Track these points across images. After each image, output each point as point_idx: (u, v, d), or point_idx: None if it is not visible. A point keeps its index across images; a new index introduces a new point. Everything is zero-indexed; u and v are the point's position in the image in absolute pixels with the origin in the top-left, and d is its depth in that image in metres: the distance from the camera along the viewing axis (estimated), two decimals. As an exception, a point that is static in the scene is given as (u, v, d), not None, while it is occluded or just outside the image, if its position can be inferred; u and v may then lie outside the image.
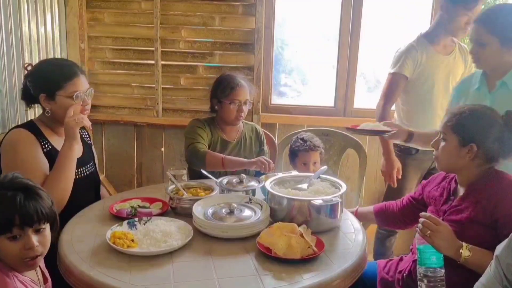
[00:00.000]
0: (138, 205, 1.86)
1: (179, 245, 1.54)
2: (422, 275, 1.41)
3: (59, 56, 3.10)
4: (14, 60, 2.64)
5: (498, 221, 1.50)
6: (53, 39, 3.03)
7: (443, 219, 1.61)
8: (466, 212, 1.57)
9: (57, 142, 1.91)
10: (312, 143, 2.39)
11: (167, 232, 1.60)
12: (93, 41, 3.19)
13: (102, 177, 2.32)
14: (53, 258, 1.58)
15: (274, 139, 2.91)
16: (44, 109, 1.90)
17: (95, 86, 3.23)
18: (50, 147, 1.87)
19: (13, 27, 2.62)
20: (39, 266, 1.39)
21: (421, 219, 1.54)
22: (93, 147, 2.16)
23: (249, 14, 3.05)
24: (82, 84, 1.89)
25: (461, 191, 1.66)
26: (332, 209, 1.71)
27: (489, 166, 1.60)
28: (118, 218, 1.78)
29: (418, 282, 1.42)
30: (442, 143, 1.64)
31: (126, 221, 1.68)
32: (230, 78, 2.41)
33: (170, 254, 1.52)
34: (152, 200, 1.92)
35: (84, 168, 1.98)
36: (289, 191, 1.81)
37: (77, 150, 1.95)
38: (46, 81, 1.85)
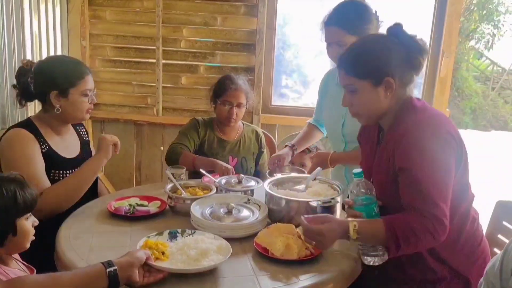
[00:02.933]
0: (137, 203, 1.86)
1: (210, 266, 1.37)
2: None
3: (60, 53, 3.10)
4: (15, 57, 2.65)
5: (398, 171, 1.41)
6: (55, 36, 3.04)
7: (372, 179, 1.53)
8: (384, 170, 1.48)
9: (55, 142, 1.90)
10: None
11: (203, 250, 1.42)
12: (94, 39, 3.20)
13: (101, 174, 2.31)
14: (50, 254, 1.59)
15: (274, 140, 2.92)
16: (45, 107, 1.89)
17: (95, 84, 3.24)
18: (47, 147, 1.85)
19: (14, 24, 2.62)
20: (19, 260, 1.40)
21: (300, 228, 1.50)
22: (91, 144, 2.15)
23: (251, 15, 3.05)
24: (91, 82, 1.93)
25: (383, 141, 1.55)
26: (330, 211, 1.71)
27: (405, 92, 1.47)
28: (116, 216, 1.78)
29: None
30: (355, 96, 1.48)
31: (167, 231, 1.54)
32: (228, 79, 2.42)
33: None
34: (150, 199, 1.92)
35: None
36: (288, 192, 1.81)
37: (73, 150, 1.96)
38: (59, 78, 1.85)
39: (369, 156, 1.62)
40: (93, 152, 2.12)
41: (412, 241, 1.34)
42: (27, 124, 1.86)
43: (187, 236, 1.53)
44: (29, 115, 1.91)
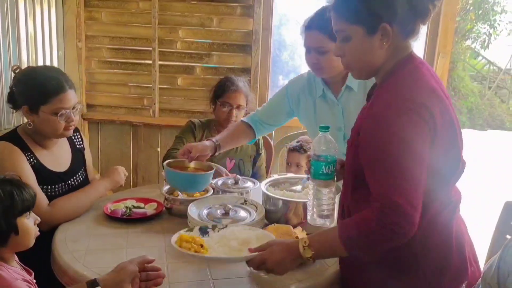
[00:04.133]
0: (133, 206, 1.86)
1: (250, 257, 1.31)
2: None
3: (56, 55, 3.10)
4: (11, 59, 2.64)
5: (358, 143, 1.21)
6: (50, 38, 3.03)
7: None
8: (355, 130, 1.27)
9: (42, 155, 1.81)
10: (299, 146, 2.43)
11: (244, 240, 1.39)
12: (90, 40, 3.19)
13: (98, 176, 2.30)
14: (46, 257, 1.58)
15: (271, 141, 2.92)
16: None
17: (91, 85, 3.26)
18: (35, 161, 1.77)
19: (10, 25, 2.61)
20: (18, 262, 1.39)
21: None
22: (85, 151, 2.04)
23: (247, 16, 3.05)
24: (68, 100, 1.75)
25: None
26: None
27: (406, 45, 1.25)
28: (112, 218, 1.77)
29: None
30: (347, 44, 1.25)
31: (198, 227, 1.47)
32: (228, 80, 2.42)
33: (164, 254, 1.51)
34: (147, 201, 1.92)
35: (73, 178, 1.91)
36: (284, 192, 1.81)
37: (63, 163, 1.89)
38: (30, 93, 1.73)
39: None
40: (87, 161, 2.04)
41: (370, 241, 1.13)
42: (13, 137, 1.77)
43: (219, 231, 1.48)
44: (25, 120, 1.83)
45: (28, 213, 1.31)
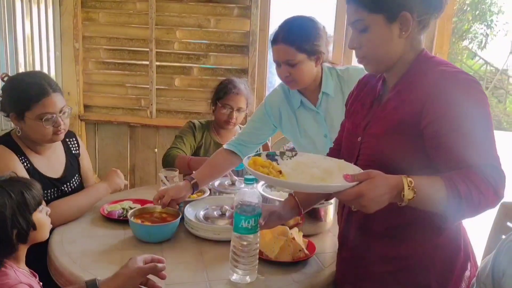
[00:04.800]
0: (130, 207, 1.86)
1: (345, 187, 1.08)
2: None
3: (53, 56, 3.10)
4: (7, 59, 2.64)
5: (424, 128, 1.14)
6: (47, 39, 3.03)
7: (363, 137, 1.29)
8: (390, 119, 1.21)
9: (36, 159, 1.80)
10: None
11: (327, 170, 1.19)
12: (87, 41, 3.18)
13: (95, 177, 2.30)
14: (43, 259, 1.58)
15: (268, 142, 2.91)
16: None
17: (89, 86, 3.25)
18: (29, 165, 1.75)
19: (7, 26, 2.61)
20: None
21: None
22: (82, 157, 2.01)
23: (244, 16, 3.05)
24: (52, 104, 1.72)
25: (386, 93, 1.29)
26: (323, 212, 1.72)
27: (420, 39, 1.24)
28: (109, 219, 1.77)
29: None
30: (365, 35, 1.21)
31: (265, 153, 1.32)
32: (230, 83, 2.41)
33: (161, 256, 1.51)
34: (143, 202, 1.92)
35: (67, 185, 1.89)
36: (281, 193, 1.81)
37: (56, 170, 1.87)
38: (14, 100, 1.73)
39: (358, 114, 1.36)
40: (83, 167, 2.02)
41: (475, 199, 1.06)
42: (7, 140, 1.76)
43: (288, 158, 1.31)
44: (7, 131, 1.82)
45: (41, 207, 1.33)
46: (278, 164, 1.26)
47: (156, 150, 3.29)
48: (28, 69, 2.83)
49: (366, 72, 1.37)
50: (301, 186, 1.17)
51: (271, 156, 1.31)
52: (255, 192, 1.34)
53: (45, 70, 3.02)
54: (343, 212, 1.38)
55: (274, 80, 3.37)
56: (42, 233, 1.34)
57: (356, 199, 1.07)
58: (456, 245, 1.27)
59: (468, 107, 1.11)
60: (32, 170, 1.76)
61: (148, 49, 3.13)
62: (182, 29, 3.11)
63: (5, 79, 1.79)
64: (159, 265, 1.26)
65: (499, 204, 1.83)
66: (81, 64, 3.19)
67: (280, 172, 1.19)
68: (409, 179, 1.07)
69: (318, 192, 1.29)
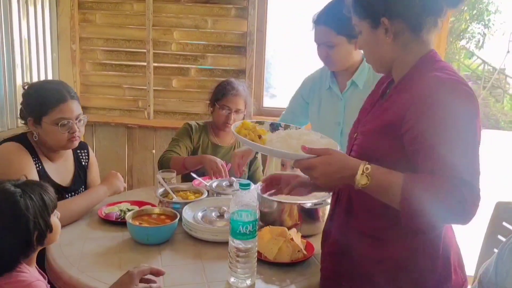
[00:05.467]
0: (127, 209, 1.85)
1: (301, 156, 1.19)
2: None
3: (50, 57, 3.09)
4: (4, 61, 2.63)
5: (404, 132, 1.14)
6: (44, 40, 3.02)
7: (357, 133, 1.31)
8: (379, 119, 1.23)
9: (48, 165, 1.84)
10: None
11: (307, 141, 1.25)
12: (84, 42, 3.18)
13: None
14: (40, 262, 1.57)
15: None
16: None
17: (86, 88, 3.24)
18: (40, 167, 1.80)
19: (3, 27, 2.60)
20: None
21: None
22: (90, 169, 2.05)
23: (241, 17, 3.05)
24: (70, 110, 1.78)
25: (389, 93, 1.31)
26: (322, 213, 1.71)
27: (420, 40, 1.23)
28: (107, 221, 1.77)
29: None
30: (361, 38, 1.29)
31: (269, 122, 1.40)
32: (229, 84, 2.40)
33: (160, 258, 1.51)
34: (141, 204, 1.91)
35: (72, 194, 1.92)
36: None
37: (64, 178, 1.90)
38: (33, 105, 1.78)
39: (364, 111, 1.39)
40: (89, 176, 2.05)
41: (432, 205, 1.05)
42: (23, 140, 1.81)
43: (289, 129, 1.40)
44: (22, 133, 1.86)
45: (55, 210, 1.36)
46: (276, 132, 1.35)
47: (153, 151, 3.28)
48: (25, 71, 2.84)
49: None
50: (264, 149, 1.29)
51: (274, 126, 1.39)
52: (251, 196, 1.32)
53: (42, 72, 3.01)
54: (337, 200, 1.37)
55: (271, 80, 3.37)
56: (56, 235, 1.36)
57: (308, 169, 1.17)
58: (433, 251, 1.21)
59: (451, 118, 1.09)
60: (43, 174, 1.80)
61: (145, 50, 3.13)
62: (179, 30, 3.11)
63: (26, 87, 1.84)
64: (154, 285, 1.28)
65: (495, 203, 1.84)
66: (78, 66, 3.18)
67: (260, 136, 1.28)
68: (366, 165, 1.11)
69: (279, 157, 1.41)
